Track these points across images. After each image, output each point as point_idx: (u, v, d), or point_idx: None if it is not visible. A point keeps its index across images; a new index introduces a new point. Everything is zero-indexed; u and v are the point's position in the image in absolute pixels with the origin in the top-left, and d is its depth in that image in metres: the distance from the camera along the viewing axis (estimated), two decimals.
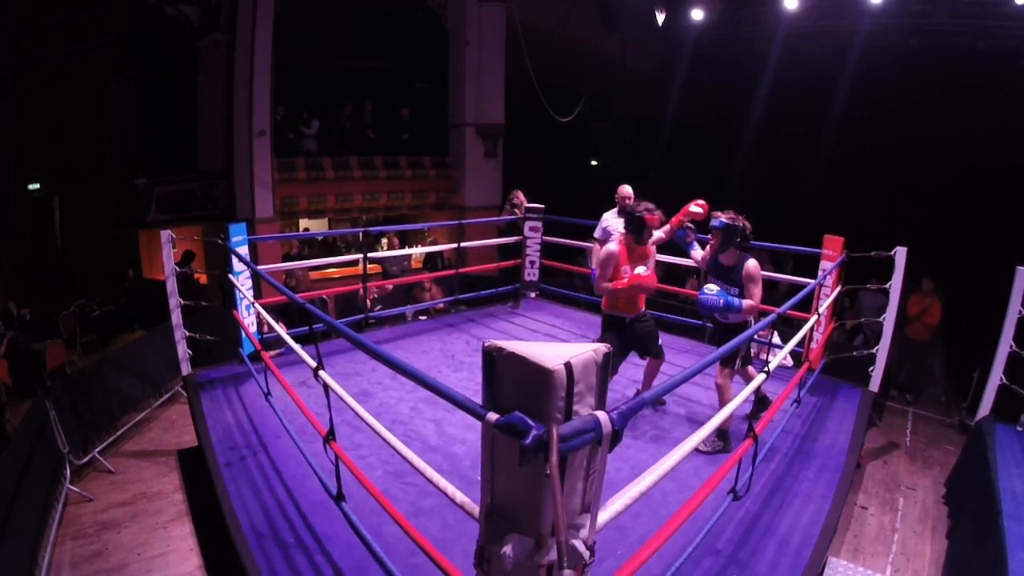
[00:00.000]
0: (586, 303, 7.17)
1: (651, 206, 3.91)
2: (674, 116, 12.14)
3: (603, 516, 1.74)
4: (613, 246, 4.00)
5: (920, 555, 4.18)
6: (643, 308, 4.20)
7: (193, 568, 3.91)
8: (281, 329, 4.09)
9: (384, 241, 10.24)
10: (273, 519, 3.22)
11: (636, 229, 3.92)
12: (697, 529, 2.74)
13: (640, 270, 3.90)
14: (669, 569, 2.51)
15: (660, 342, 4.27)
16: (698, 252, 4.19)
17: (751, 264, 3.80)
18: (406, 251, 9.74)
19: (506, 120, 11.47)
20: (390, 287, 7.47)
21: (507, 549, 1.57)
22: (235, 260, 4.85)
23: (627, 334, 4.15)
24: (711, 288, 3.86)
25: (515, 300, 7.21)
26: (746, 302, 3.78)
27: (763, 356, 5.51)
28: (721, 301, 3.77)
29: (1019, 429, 4.49)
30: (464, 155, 11.39)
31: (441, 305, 7.37)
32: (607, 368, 1.61)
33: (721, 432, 3.80)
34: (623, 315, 4.13)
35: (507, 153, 11.77)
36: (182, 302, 4.84)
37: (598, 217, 5.96)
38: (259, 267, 4.46)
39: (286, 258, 9.37)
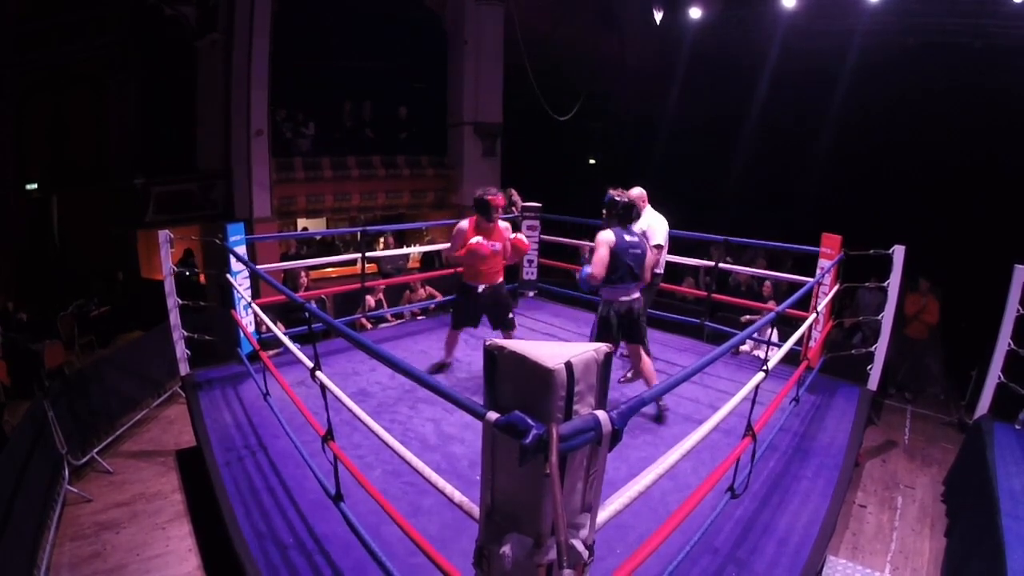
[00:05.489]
0: (585, 302, 7.16)
1: (494, 190, 4.54)
2: (672, 115, 12.14)
3: (602, 515, 1.74)
4: (464, 223, 4.54)
5: (919, 553, 4.19)
6: (496, 280, 4.67)
7: (192, 568, 3.91)
8: (278, 330, 4.08)
9: (382, 240, 10.25)
10: (272, 519, 3.22)
11: (483, 210, 4.48)
12: (696, 528, 2.74)
13: (477, 239, 4.39)
14: (668, 568, 2.51)
15: (511, 316, 4.77)
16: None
17: (600, 234, 4.02)
18: (404, 250, 9.75)
19: (504, 119, 11.46)
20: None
21: (506, 549, 1.58)
22: (233, 260, 4.84)
23: (476, 302, 4.64)
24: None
25: (513, 299, 7.21)
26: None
27: (757, 353, 5.54)
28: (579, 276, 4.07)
29: (1017, 427, 4.50)
30: (462, 154, 11.39)
31: (433, 306, 7.34)
32: (608, 368, 1.61)
33: None
34: (473, 285, 4.61)
35: (505, 152, 11.77)
36: (180, 302, 4.84)
37: (596, 216, 5.95)
38: (257, 267, 4.46)
39: (284, 258, 9.37)
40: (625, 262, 3.93)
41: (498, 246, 4.54)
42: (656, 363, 5.28)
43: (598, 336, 4.14)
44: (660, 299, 6.95)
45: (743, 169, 11.39)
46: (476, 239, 4.38)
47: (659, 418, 4.22)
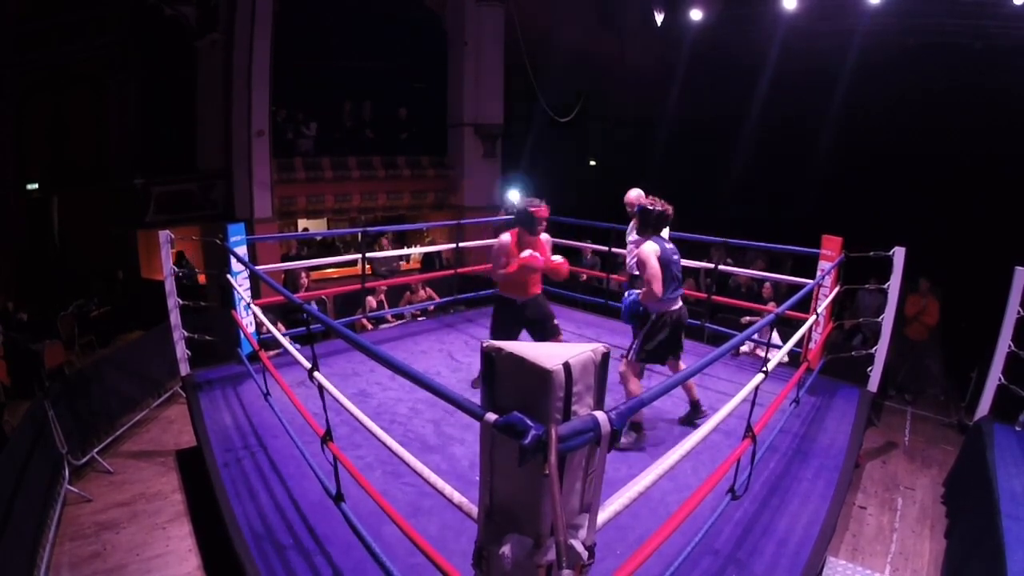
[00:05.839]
0: (584, 303, 7.17)
1: (537, 201, 4.25)
2: (673, 116, 12.14)
3: (602, 516, 1.74)
4: (505, 237, 4.30)
5: (919, 554, 4.18)
6: (536, 291, 4.44)
7: (192, 569, 3.91)
8: (278, 331, 4.08)
9: (386, 241, 10.26)
10: (272, 520, 3.22)
11: (526, 223, 4.22)
12: (696, 529, 2.74)
13: (526, 253, 4.14)
14: (668, 569, 2.51)
15: (556, 321, 4.51)
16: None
17: (644, 247, 3.76)
18: (404, 251, 9.73)
19: (504, 120, 11.47)
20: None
21: (506, 549, 1.58)
22: (233, 260, 4.85)
23: (518, 316, 4.40)
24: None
25: None
26: (640, 292, 3.81)
27: (760, 354, 5.54)
28: (624, 304, 3.89)
29: (1017, 429, 4.50)
30: (462, 155, 11.39)
31: (431, 307, 7.32)
32: (606, 368, 1.61)
33: (634, 424, 3.79)
34: (514, 298, 4.37)
35: (505, 153, 11.77)
36: (180, 302, 4.84)
37: (596, 217, 5.96)
38: (257, 267, 4.47)
39: (285, 258, 9.37)
40: (672, 271, 3.81)
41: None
42: (656, 365, 5.28)
43: (651, 354, 3.92)
44: None
45: (743, 170, 11.38)
46: (527, 252, 4.14)
47: (690, 420, 4.16)
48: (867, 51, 9.47)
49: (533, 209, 4.19)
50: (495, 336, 4.48)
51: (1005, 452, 4.15)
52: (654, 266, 3.68)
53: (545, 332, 4.47)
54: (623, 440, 3.69)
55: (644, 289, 3.74)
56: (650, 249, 3.72)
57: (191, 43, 9.36)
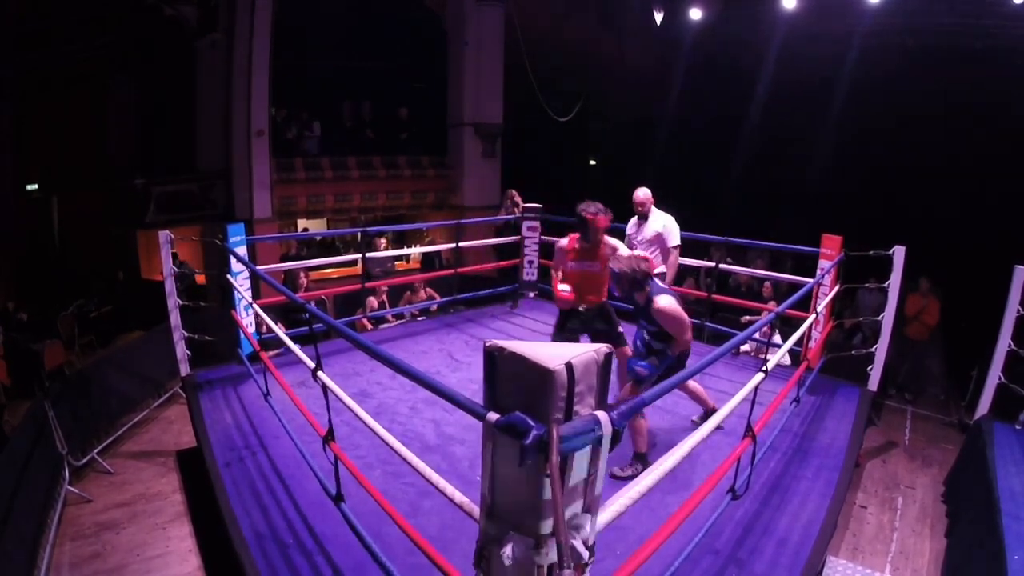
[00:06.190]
0: None
1: (593, 208, 3.90)
2: (673, 115, 12.13)
3: (603, 516, 1.74)
4: (563, 242, 4.14)
5: (919, 554, 4.19)
6: (598, 300, 4.12)
7: (192, 569, 3.92)
8: (280, 330, 4.09)
9: (383, 241, 10.26)
10: (272, 520, 3.22)
11: (581, 229, 3.96)
12: (696, 529, 2.74)
13: (563, 287, 3.93)
14: (668, 569, 2.51)
15: (620, 331, 4.15)
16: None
17: (661, 303, 3.41)
18: (403, 251, 9.73)
19: (504, 120, 11.47)
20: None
21: (506, 549, 1.57)
22: (233, 260, 4.84)
23: (580, 320, 4.15)
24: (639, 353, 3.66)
25: (514, 300, 7.21)
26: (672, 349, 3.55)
27: (762, 355, 5.54)
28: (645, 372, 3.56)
29: (1017, 428, 4.50)
30: (463, 155, 11.40)
31: (435, 307, 7.31)
32: (608, 368, 1.61)
33: (639, 456, 3.62)
34: (573, 304, 4.11)
35: (505, 152, 11.77)
36: (181, 302, 4.84)
37: None
38: (257, 268, 4.47)
39: (284, 258, 9.37)
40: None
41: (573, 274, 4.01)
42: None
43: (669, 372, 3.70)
44: None
45: (743, 170, 11.38)
46: (563, 287, 3.93)
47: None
48: (867, 51, 9.47)
49: (588, 216, 3.88)
50: (555, 338, 4.27)
51: (1005, 451, 4.16)
52: (686, 320, 3.47)
53: (610, 341, 4.09)
54: (627, 471, 3.55)
55: (680, 344, 3.51)
56: (674, 305, 3.43)
57: (191, 43, 9.37)
